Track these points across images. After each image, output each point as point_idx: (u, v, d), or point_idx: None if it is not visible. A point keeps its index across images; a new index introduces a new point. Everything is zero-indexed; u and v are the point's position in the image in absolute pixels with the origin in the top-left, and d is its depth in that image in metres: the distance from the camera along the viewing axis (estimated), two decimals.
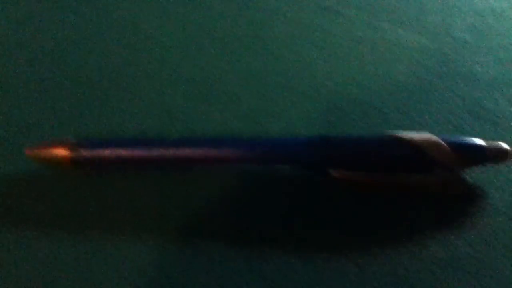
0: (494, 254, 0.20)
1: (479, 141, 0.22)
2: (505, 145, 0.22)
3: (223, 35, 0.31)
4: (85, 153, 0.22)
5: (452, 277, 0.20)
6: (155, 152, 0.22)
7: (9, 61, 0.29)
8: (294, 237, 0.21)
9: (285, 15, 0.32)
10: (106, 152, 0.22)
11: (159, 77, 0.28)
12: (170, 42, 0.30)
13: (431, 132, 0.22)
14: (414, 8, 0.33)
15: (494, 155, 0.22)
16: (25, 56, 0.30)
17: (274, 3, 0.33)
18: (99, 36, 0.31)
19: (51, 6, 0.33)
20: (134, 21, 0.32)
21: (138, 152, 0.22)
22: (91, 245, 0.21)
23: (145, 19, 0.32)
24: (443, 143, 0.22)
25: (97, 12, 0.33)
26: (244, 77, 0.28)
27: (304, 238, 0.21)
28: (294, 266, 0.20)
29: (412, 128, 0.25)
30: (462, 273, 0.20)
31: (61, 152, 0.22)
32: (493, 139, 0.23)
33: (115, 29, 0.31)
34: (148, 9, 0.33)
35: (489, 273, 0.20)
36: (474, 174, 0.23)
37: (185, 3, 0.33)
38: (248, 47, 0.30)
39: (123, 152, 0.22)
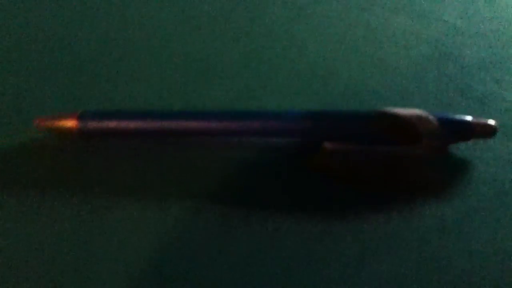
0: (480, 221, 0.21)
1: (467, 117, 0.23)
2: (491, 121, 0.24)
3: (222, 17, 0.32)
4: (92, 124, 0.23)
5: (441, 242, 0.21)
6: (158, 124, 0.23)
7: (17, 37, 0.30)
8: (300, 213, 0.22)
9: None
10: (112, 124, 0.23)
11: (161, 55, 0.29)
12: (172, 23, 0.31)
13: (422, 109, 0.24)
14: None
15: (481, 131, 0.23)
16: (33, 33, 0.31)
17: None
18: (102, 15, 0.32)
19: None
20: (135, 2, 0.33)
21: (142, 124, 0.23)
22: (106, 211, 0.22)
23: (141, 2, 0.33)
24: (431, 117, 0.23)
25: None
26: (241, 56, 0.29)
27: (304, 209, 0.22)
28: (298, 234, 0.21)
29: (403, 106, 0.26)
30: (450, 238, 0.21)
31: (69, 123, 0.23)
32: (481, 117, 0.24)
33: (118, 8, 0.32)
34: None
35: (475, 238, 0.21)
36: (462, 149, 0.24)
37: None
38: (245, 29, 0.31)
39: (128, 124, 0.23)
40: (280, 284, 0.19)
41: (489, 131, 0.23)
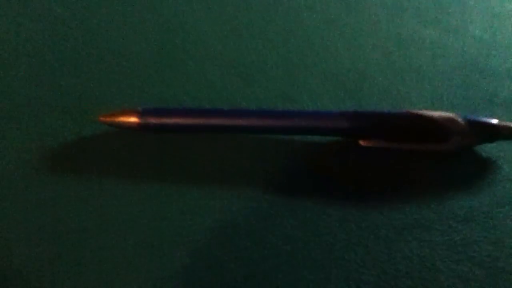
0: (504, 214, 0.24)
1: (493, 120, 0.26)
2: None
3: (260, 28, 0.34)
4: (152, 120, 0.26)
5: (469, 230, 0.23)
6: (210, 121, 0.26)
7: (80, 40, 0.33)
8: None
9: (315, 12, 0.36)
10: (169, 120, 0.26)
11: (206, 60, 0.32)
12: (219, 32, 0.34)
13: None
14: (434, 9, 0.36)
15: (507, 133, 0.25)
16: (94, 37, 0.33)
17: (305, 1, 0.36)
18: (155, 24, 0.34)
19: None
20: (183, 16, 0.36)
21: (195, 121, 0.26)
22: (164, 198, 0.24)
23: (192, 13, 0.36)
24: (460, 119, 0.25)
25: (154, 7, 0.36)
26: (278, 62, 0.32)
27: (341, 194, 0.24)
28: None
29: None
30: (477, 228, 0.23)
31: (131, 119, 0.26)
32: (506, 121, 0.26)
33: (169, 21, 0.35)
34: (196, 4, 0.36)
35: (499, 228, 0.23)
36: (488, 150, 0.26)
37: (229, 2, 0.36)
38: (282, 38, 0.33)
39: (183, 120, 0.26)
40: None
41: None
